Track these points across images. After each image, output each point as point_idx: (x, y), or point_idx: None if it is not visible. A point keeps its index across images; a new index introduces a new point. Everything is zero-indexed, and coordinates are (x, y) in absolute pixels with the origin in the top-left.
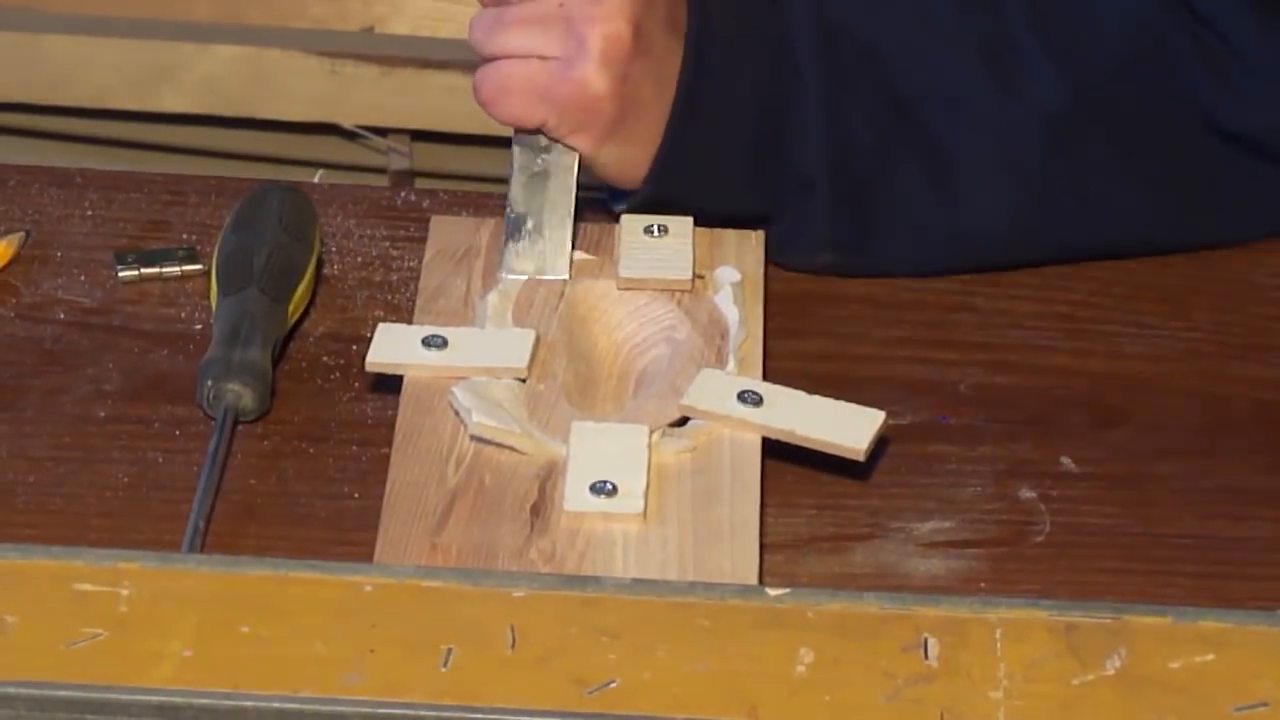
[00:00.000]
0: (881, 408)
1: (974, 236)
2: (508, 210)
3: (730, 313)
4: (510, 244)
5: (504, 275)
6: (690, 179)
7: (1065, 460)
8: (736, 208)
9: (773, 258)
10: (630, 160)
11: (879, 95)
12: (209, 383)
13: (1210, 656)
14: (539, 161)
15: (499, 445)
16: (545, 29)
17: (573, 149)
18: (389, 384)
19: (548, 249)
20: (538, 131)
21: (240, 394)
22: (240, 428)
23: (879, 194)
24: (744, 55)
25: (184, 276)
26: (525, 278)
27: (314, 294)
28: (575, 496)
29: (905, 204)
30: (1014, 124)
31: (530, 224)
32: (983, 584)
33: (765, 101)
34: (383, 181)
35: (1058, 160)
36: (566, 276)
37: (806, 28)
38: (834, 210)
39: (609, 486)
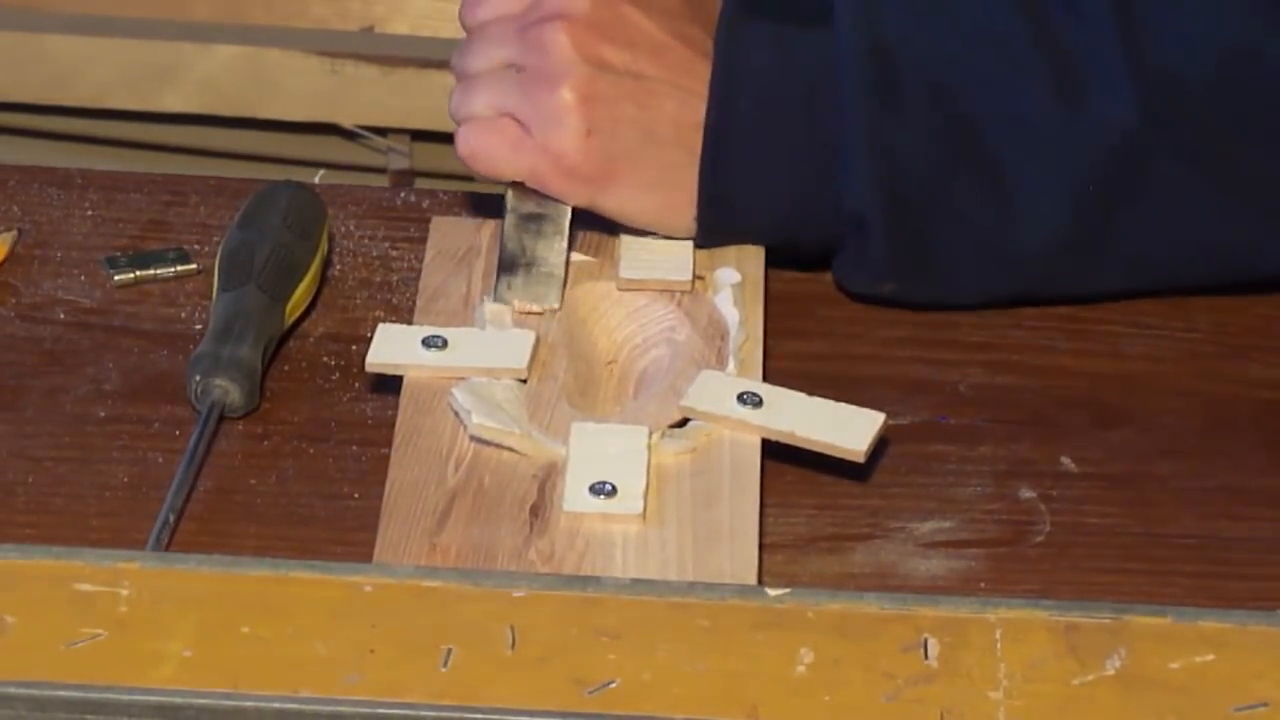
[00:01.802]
0: (881, 408)
1: (1037, 255)
2: (500, 247)
3: (730, 314)
4: (502, 275)
5: (491, 302)
6: (734, 225)
7: (1065, 460)
8: (793, 246)
9: (837, 284)
10: (640, 208)
11: (936, 120)
12: (197, 377)
13: (1210, 656)
14: (533, 203)
15: (498, 446)
16: (504, 92)
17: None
18: (389, 384)
19: (539, 285)
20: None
21: (227, 390)
22: (241, 427)
23: (936, 221)
24: (782, 93)
25: (178, 277)
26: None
27: (316, 293)
28: (574, 497)
29: (965, 228)
30: (1080, 143)
31: (523, 261)
32: (983, 584)
33: (810, 139)
34: (383, 181)
35: (1126, 179)
36: (557, 306)
37: (854, 56)
38: (890, 243)
39: (608, 487)
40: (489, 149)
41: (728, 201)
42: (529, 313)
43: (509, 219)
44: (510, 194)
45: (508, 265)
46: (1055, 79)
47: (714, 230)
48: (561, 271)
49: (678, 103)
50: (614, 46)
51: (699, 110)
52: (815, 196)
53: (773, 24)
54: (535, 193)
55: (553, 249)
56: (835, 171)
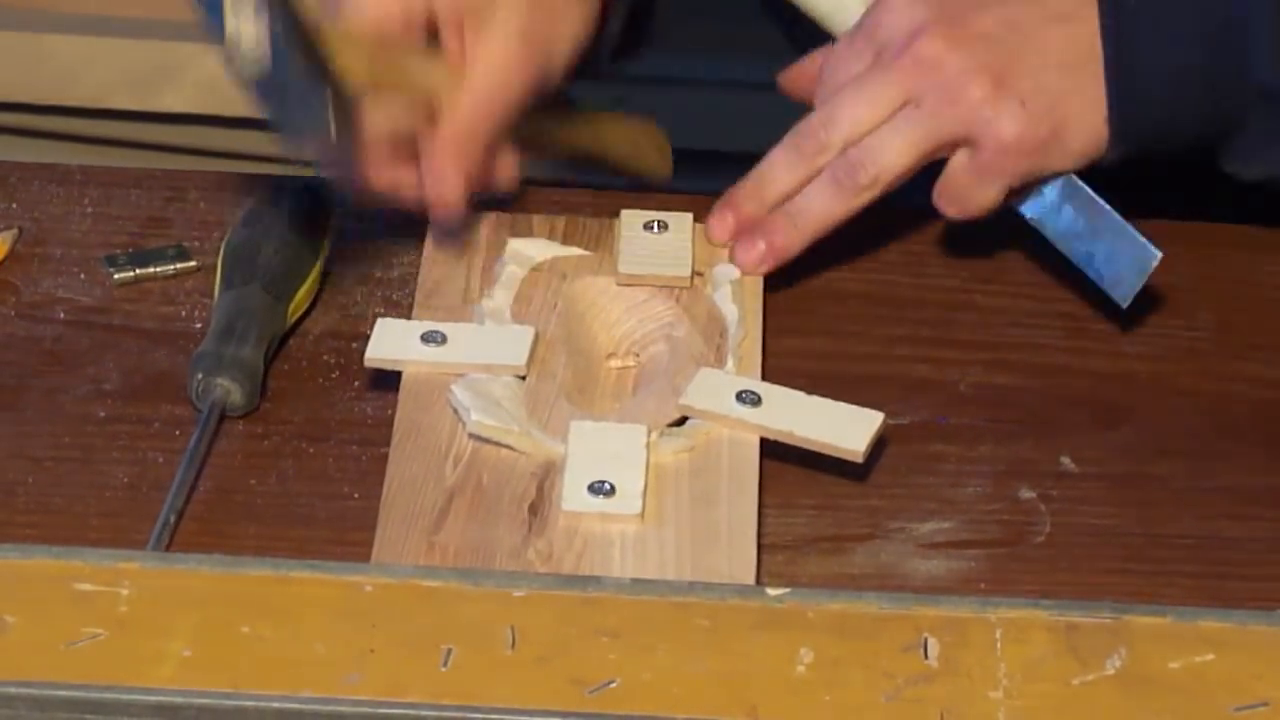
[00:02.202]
0: (881, 407)
1: None
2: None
3: (729, 311)
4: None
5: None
6: (1147, 124)
7: (1065, 460)
8: (1199, 134)
9: (1235, 169)
10: (1084, 143)
11: None
12: (199, 376)
13: (1210, 656)
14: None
15: (497, 444)
16: (924, 129)
17: None
18: (389, 383)
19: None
20: None
21: (229, 390)
22: (241, 427)
23: None
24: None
25: (178, 275)
26: (522, 272)
27: (318, 293)
28: (573, 496)
29: None
30: None
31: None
32: (983, 584)
33: (1206, 13)
34: None
35: None
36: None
37: None
38: None
39: (607, 487)
40: (959, 189)
41: (1138, 102)
42: None
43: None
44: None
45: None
46: None
47: (1129, 132)
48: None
49: (1061, 29)
50: (978, 19)
51: (1083, 26)
52: (1221, 80)
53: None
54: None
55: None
56: (1240, 42)
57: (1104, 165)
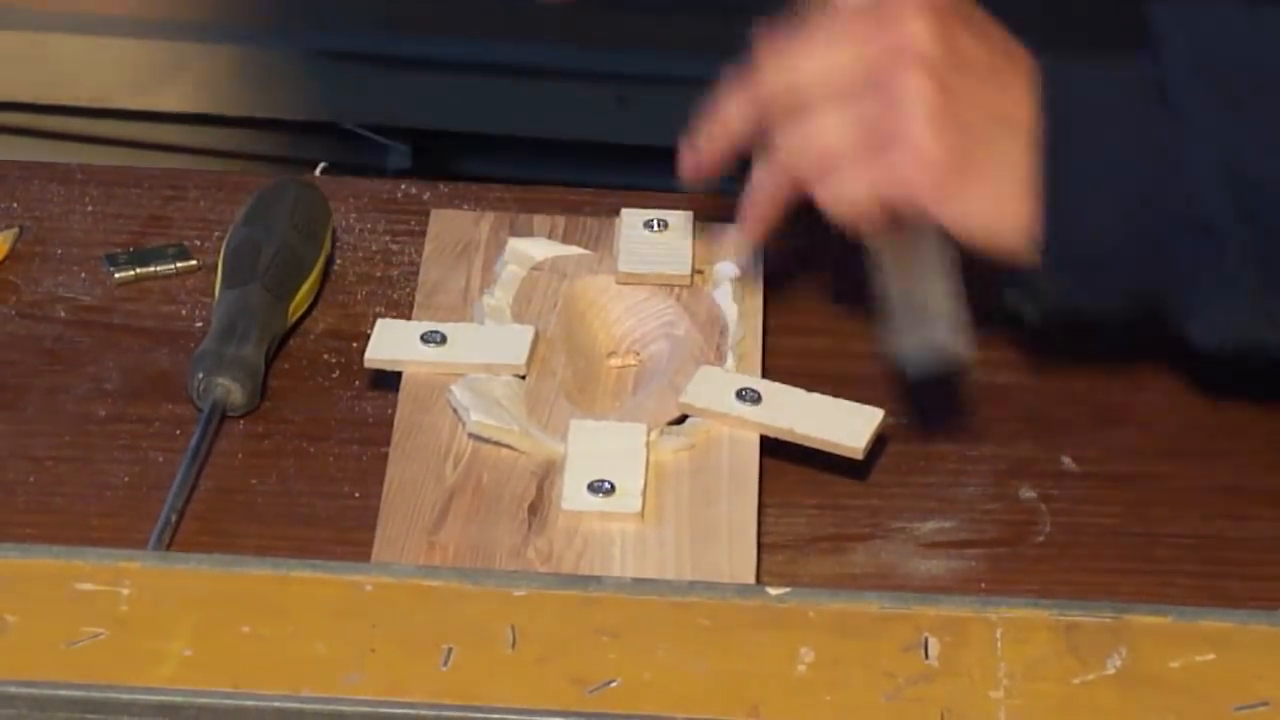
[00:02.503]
0: (882, 407)
1: None
2: (885, 301)
3: (729, 309)
4: (897, 331)
5: (896, 360)
6: (1079, 245)
7: (1065, 460)
8: (1135, 275)
9: (1198, 339)
10: (997, 206)
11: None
12: (200, 375)
13: (1210, 656)
14: (903, 247)
15: (497, 443)
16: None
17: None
18: (390, 382)
19: (940, 330)
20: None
21: (230, 389)
22: (241, 426)
23: None
24: (1113, 112)
25: (179, 274)
26: (522, 273)
27: (319, 292)
28: (573, 495)
29: None
30: None
31: (914, 309)
32: (983, 584)
33: (1147, 148)
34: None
35: None
36: (970, 355)
37: (1186, 67)
38: (1245, 255)
39: (607, 485)
40: (848, 187)
41: (1069, 217)
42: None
43: (887, 270)
44: (875, 246)
45: (905, 317)
46: None
47: (1054, 254)
48: (957, 312)
49: (1018, 90)
50: (966, 34)
51: (1027, 98)
52: (1159, 219)
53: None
54: (897, 231)
55: (938, 288)
56: (1179, 185)
57: (1031, 310)
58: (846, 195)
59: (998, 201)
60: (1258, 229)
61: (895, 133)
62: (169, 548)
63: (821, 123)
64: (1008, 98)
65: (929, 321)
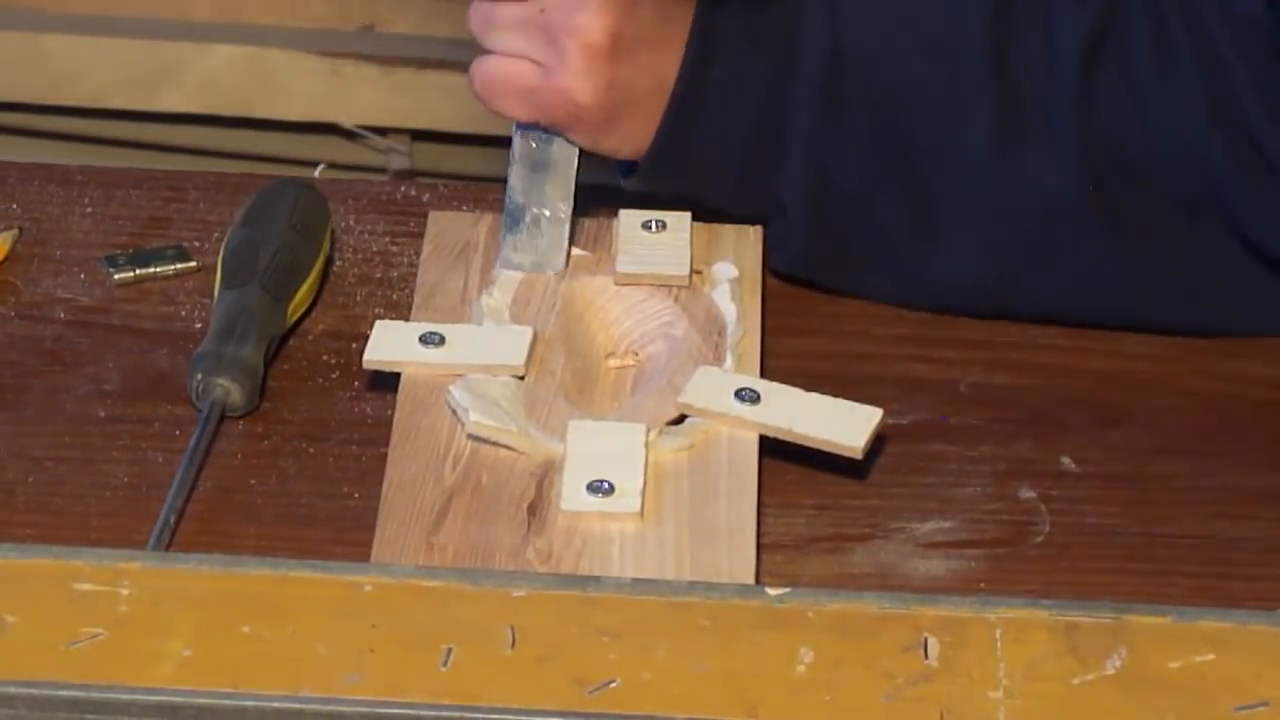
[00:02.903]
0: (881, 407)
1: (951, 286)
2: (506, 200)
3: (728, 309)
4: (508, 236)
5: (499, 270)
6: (676, 180)
7: (1065, 460)
8: (725, 209)
9: (767, 257)
10: (635, 147)
11: (876, 134)
12: (199, 376)
13: (1210, 656)
14: (539, 151)
15: (496, 444)
16: (529, 34)
17: (572, 143)
18: (389, 383)
19: (545, 243)
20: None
21: (229, 390)
22: (241, 427)
23: (858, 228)
24: (744, 75)
25: (178, 275)
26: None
27: (318, 293)
28: (572, 495)
29: (885, 241)
30: (1011, 200)
31: (529, 216)
32: (983, 584)
33: (759, 122)
34: (382, 179)
35: (1049, 241)
36: (561, 268)
37: (814, 57)
38: (808, 237)
39: (606, 485)
40: (504, 88)
41: (678, 158)
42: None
43: (515, 170)
44: (516, 142)
45: (513, 222)
46: (1000, 126)
47: (653, 171)
48: (567, 231)
49: (680, 53)
50: (629, 13)
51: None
52: (755, 174)
53: (744, 5)
54: (543, 139)
55: (558, 203)
56: (773, 160)
57: (630, 185)
58: (500, 106)
59: (628, 139)
60: (823, 216)
61: (558, 79)
62: (168, 548)
63: (502, 34)
64: (675, 45)
65: (540, 229)
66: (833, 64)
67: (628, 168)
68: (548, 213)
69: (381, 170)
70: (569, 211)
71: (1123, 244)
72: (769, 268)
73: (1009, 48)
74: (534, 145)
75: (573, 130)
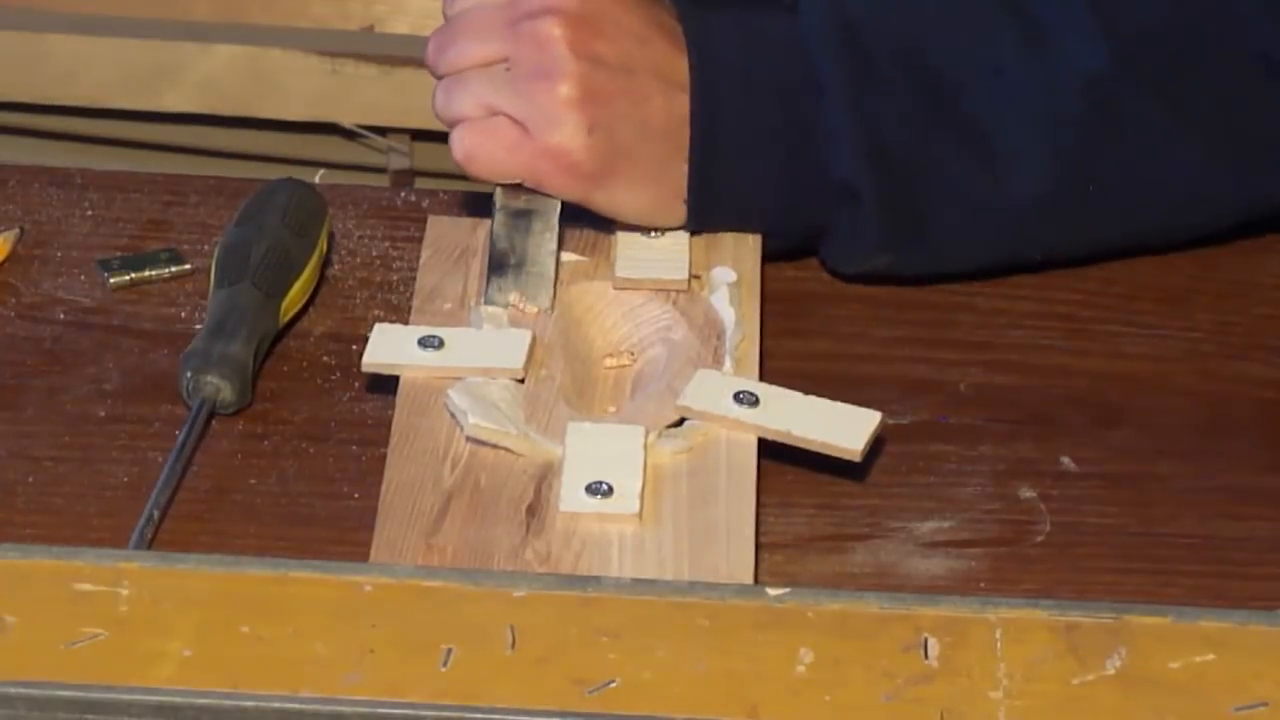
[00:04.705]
0: (881, 408)
1: (1023, 211)
2: (490, 245)
3: (726, 313)
4: (493, 277)
5: (484, 306)
6: (727, 212)
7: (1065, 460)
8: (784, 227)
9: (830, 267)
10: (633, 202)
11: (910, 84)
12: (188, 373)
13: (1210, 656)
14: (522, 200)
15: (495, 446)
16: (496, 89)
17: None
18: (388, 383)
19: (529, 283)
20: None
21: (219, 387)
22: (241, 427)
23: (924, 184)
24: (758, 78)
25: (174, 278)
26: (507, 308)
27: (315, 292)
28: (571, 497)
29: (953, 188)
30: (1051, 89)
31: (513, 260)
32: (983, 584)
33: (790, 119)
34: (383, 181)
35: (1100, 122)
36: (548, 307)
37: (823, 32)
38: (881, 210)
39: (605, 487)
40: (487, 151)
41: (718, 190)
42: (521, 311)
43: (498, 218)
44: (499, 192)
45: (497, 265)
46: (1021, 32)
47: (706, 218)
48: (552, 271)
49: (665, 96)
50: (605, 41)
51: (684, 102)
52: (803, 177)
53: (736, 13)
54: (524, 189)
55: (543, 248)
56: (820, 147)
57: (690, 231)
58: (486, 171)
59: (645, 196)
60: (888, 184)
61: (536, 132)
62: (151, 543)
63: (470, 93)
64: (655, 90)
65: (525, 275)
66: (847, 37)
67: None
68: (531, 257)
69: (381, 170)
70: (553, 256)
71: (1175, 116)
72: (846, 275)
73: None
74: (516, 194)
75: (560, 186)
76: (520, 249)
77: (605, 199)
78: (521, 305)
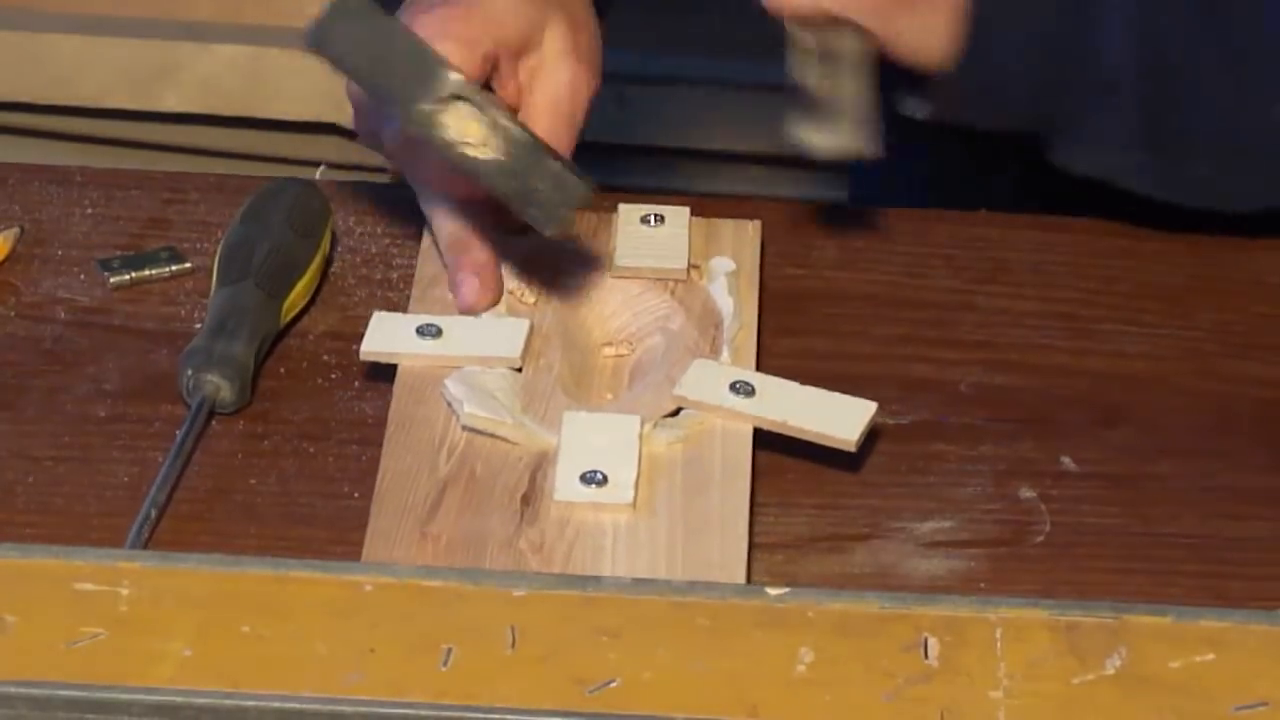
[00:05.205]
0: (881, 407)
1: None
2: (798, 87)
3: (724, 303)
4: (805, 119)
5: (797, 145)
6: (983, 80)
7: (1065, 460)
8: (1032, 109)
9: (1063, 161)
10: (933, 41)
11: None
12: (188, 372)
13: (1210, 656)
14: (828, 41)
15: (491, 435)
16: None
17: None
18: (388, 382)
19: (848, 126)
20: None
21: (218, 386)
22: (241, 426)
23: (1188, 94)
24: None
25: (174, 276)
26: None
27: (315, 291)
28: (565, 486)
29: (1212, 106)
30: None
31: (826, 102)
32: (983, 584)
33: (1064, 13)
34: (384, 181)
35: None
36: (868, 152)
37: None
38: (1140, 110)
39: (599, 476)
40: None
41: (983, 50)
42: (519, 301)
43: (803, 58)
44: (799, 35)
45: (810, 106)
46: None
47: (967, 76)
48: (869, 114)
49: None
50: None
51: None
52: (1070, 56)
53: None
54: (831, 33)
55: (857, 88)
56: (1093, 33)
57: (921, 112)
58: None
59: (927, 30)
60: (1153, 87)
61: None
62: (149, 542)
63: None
64: None
65: (839, 117)
66: None
67: (913, 92)
68: (846, 98)
69: (382, 170)
70: (868, 98)
71: None
72: (1082, 169)
73: None
74: (822, 38)
75: (869, 13)
76: (833, 90)
77: (909, 27)
78: (841, 152)
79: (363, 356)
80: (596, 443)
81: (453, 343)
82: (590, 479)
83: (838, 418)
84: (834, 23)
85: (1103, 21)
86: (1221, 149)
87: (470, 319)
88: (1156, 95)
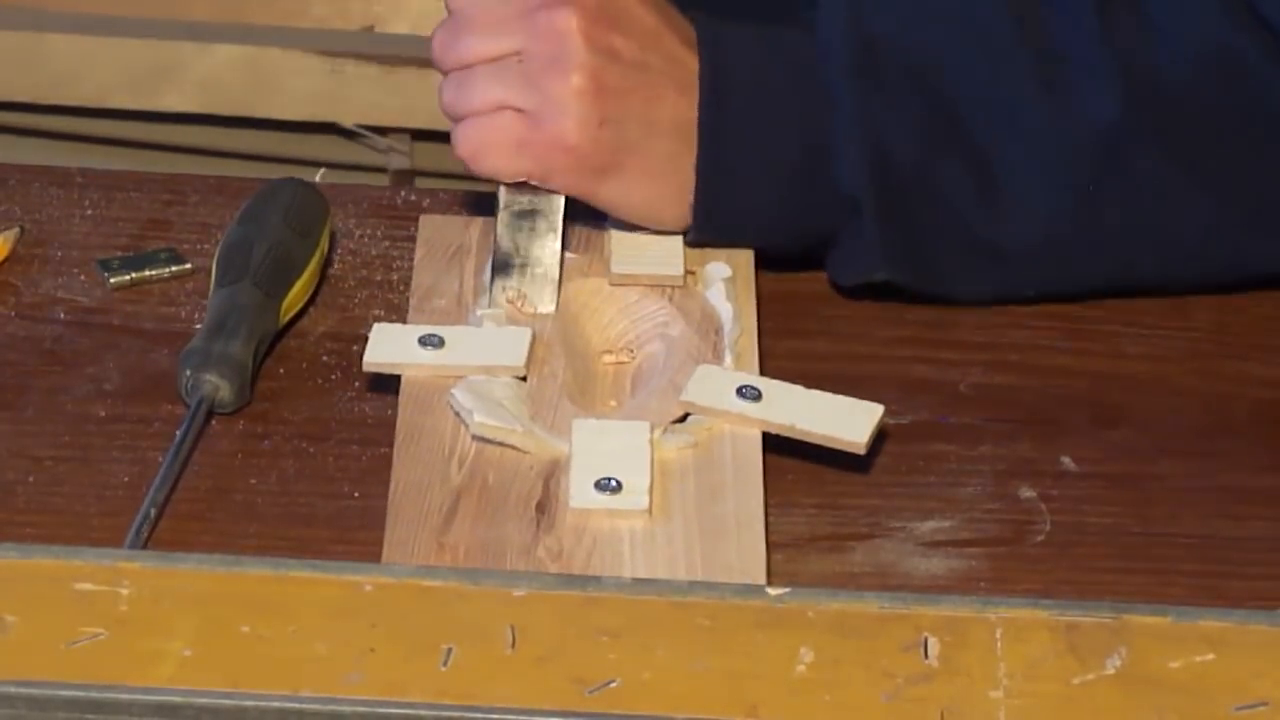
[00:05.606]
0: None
1: (1023, 250)
2: (494, 245)
3: (723, 308)
4: (497, 278)
5: (484, 310)
6: (731, 218)
7: (1065, 460)
8: (787, 238)
9: (831, 279)
10: (639, 199)
11: (922, 106)
12: (187, 372)
13: (1210, 656)
14: (526, 200)
15: (501, 444)
16: (507, 83)
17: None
18: (389, 383)
19: (534, 284)
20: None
21: (217, 386)
22: (241, 427)
23: (926, 206)
24: (770, 87)
25: (174, 277)
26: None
27: (315, 292)
28: (580, 493)
29: (953, 216)
30: (1064, 136)
31: (517, 261)
32: (983, 584)
33: (799, 129)
34: (383, 181)
35: (1110, 173)
36: (552, 310)
37: (840, 46)
38: (882, 226)
39: (613, 483)
40: (494, 146)
41: (723, 197)
42: (520, 310)
43: (502, 217)
44: (503, 191)
45: (502, 266)
46: (1038, 73)
47: (708, 224)
48: (556, 272)
49: (676, 94)
50: (621, 35)
51: (694, 104)
52: (808, 188)
53: (752, 25)
54: (529, 189)
55: (547, 248)
56: (828, 158)
57: (689, 242)
58: (492, 167)
59: (650, 193)
60: (891, 198)
61: (547, 124)
62: (148, 541)
63: (479, 88)
64: (666, 88)
65: (529, 276)
66: (863, 49)
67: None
68: (535, 260)
69: (381, 170)
70: (558, 258)
71: (1185, 172)
72: (844, 285)
73: (1027, 15)
74: (520, 194)
75: (568, 181)
76: (524, 250)
77: (610, 194)
78: (525, 307)
79: (366, 368)
80: (608, 449)
81: (456, 353)
82: (605, 486)
83: (845, 420)
84: (536, 186)
85: (838, 161)
86: (968, 262)
87: (472, 329)
88: (897, 215)
